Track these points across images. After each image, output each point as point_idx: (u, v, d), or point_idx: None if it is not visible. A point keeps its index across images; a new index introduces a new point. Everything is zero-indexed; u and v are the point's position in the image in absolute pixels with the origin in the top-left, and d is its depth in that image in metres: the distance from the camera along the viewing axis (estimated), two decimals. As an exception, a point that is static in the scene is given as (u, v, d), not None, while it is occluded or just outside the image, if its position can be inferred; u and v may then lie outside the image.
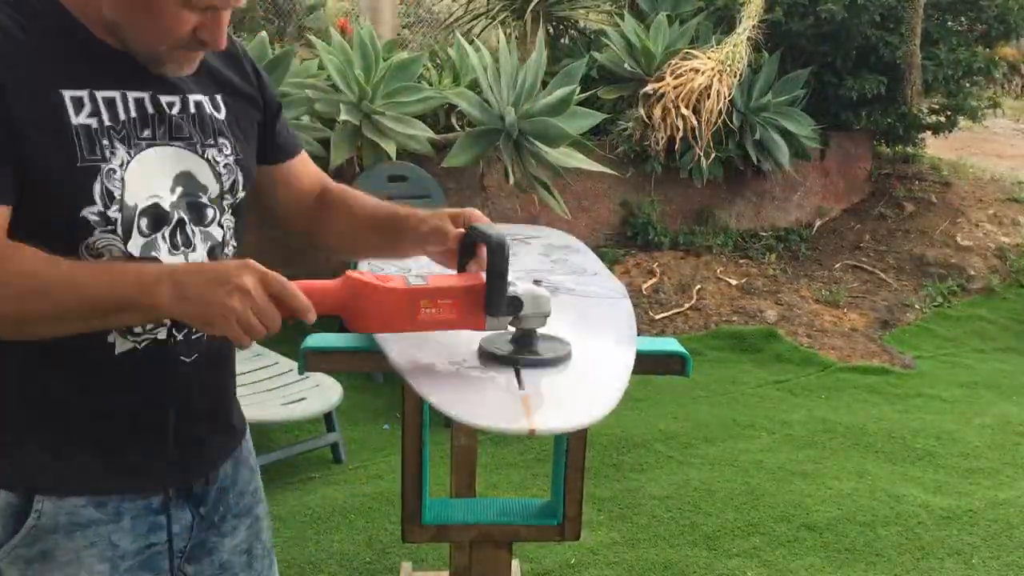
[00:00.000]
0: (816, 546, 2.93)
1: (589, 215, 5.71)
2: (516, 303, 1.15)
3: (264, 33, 4.43)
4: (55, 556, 1.11)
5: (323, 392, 3.28)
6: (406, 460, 1.50)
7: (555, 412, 1.10)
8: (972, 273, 6.05)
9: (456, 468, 2.20)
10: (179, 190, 1.15)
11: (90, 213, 1.07)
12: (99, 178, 1.07)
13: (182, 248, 1.15)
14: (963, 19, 6.45)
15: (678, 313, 5.20)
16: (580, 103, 4.75)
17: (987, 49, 6.61)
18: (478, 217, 1.23)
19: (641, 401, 4.08)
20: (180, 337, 1.16)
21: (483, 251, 1.16)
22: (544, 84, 4.76)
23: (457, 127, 4.90)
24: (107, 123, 1.08)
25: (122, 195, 1.09)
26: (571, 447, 1.53)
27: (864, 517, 3.12)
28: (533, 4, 5.83)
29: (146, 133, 1.12)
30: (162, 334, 1.15)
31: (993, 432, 3.95)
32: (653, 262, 5.59)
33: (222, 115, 1.22)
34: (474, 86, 4.78)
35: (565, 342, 1.23)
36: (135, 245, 1.10)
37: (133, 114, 1.11)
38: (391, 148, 4.30)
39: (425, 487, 1.54)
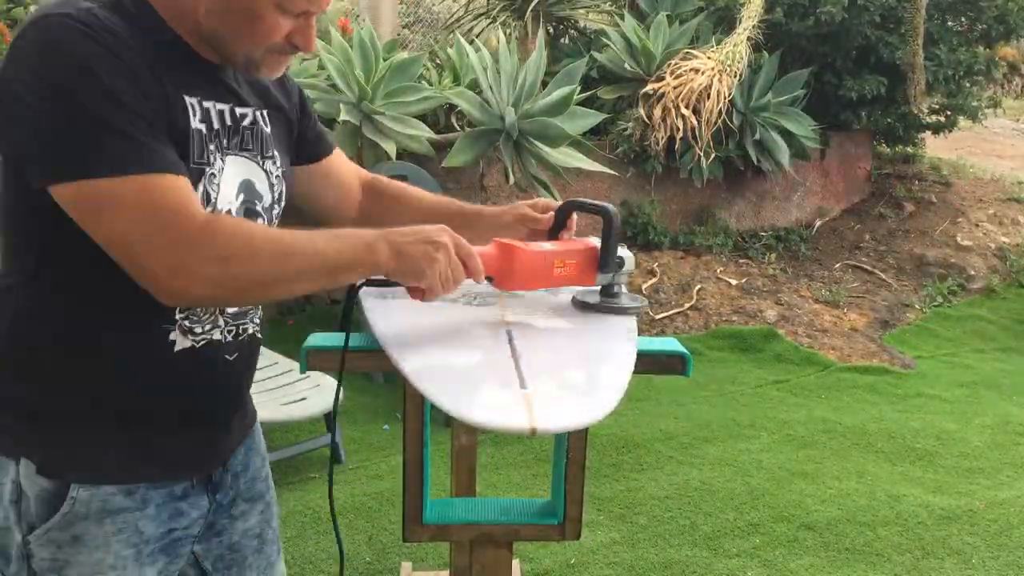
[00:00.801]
0: (816, 546, 2.93)
1: (589, 215, 5.71)
2: (621, 261, 1.40)
3: (264, 33, 4.42)
4: (85, 541, 1.14)
5: (323, 392, 3.28)
6: (407, 459, 1.50)
7: (557, 411, 1.10)
8: (972, 273, 6.05)
9: (456, 468, 2.20)
10: (241, 197, 1.20)
11: None
12: (203, 180, 1.12)
13: None
14: (963, 19, 6.46)
15: (678, 313, 5.20)
16: (580, 103, 4.75)
17: (987, 49, 6.62)
18: (549, 203, 1.49)
19: (641, 401, 4.09)
20: (229, 338, 1.23)
21: (573, 222, 1.46)
22: (544, 84, 4.76)
23: (457, 127, 4.90)
24: (210, 130, 1.14)
25: (216, 199, 1.15)
26: (572, 447, 1.53)
27: (864, 517, 3.12)
28: (533, 4, 5.83)
29: (227, 143, 1.18)
30: (216, 334, 1.21)
31: (993, 432, 3.95)
32: (653, 262, 5.59)
33: (269, 130, 1.27)
34: (474, 86, 4.78)
35: (640, 297, 1.44)
36: None
37: (227, 122, 1.17)
38: (391, 148, 4.30)
39: (426, 486, 1.54)
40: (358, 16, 6.56)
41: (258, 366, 2.43)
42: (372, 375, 4.16)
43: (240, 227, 1.09)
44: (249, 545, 1.36)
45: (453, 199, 1.55)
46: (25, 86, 1.00)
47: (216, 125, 1.15)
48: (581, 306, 1.41)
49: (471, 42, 5.07)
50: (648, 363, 1.39)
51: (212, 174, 1.14)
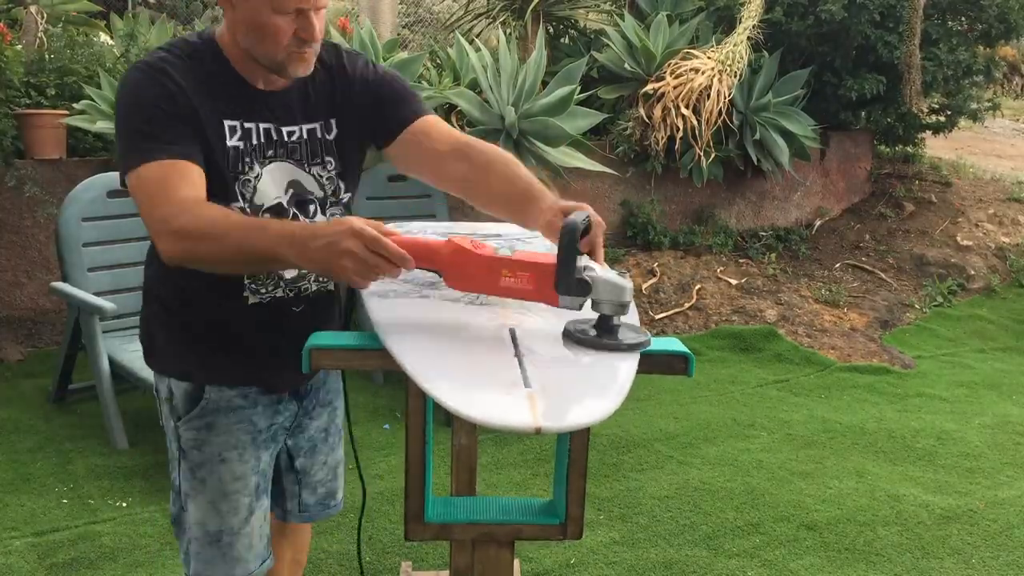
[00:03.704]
0: (816, 546, 2.93)
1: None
2: (584, 286, 1.24)
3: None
4: (215, 427, 1.63)
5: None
6: (409, 458, 1.50)
7: (560, 410, 1.10)
8: (972, 273, 6.06)
9: (456, 468, 2.20)
10: (290, 192, 1.59)
11: (235, 207, 1.51)
12: (236, 184, 1.52)
13: None
14: (963, 19, 6.45)
15: (678, 313, 5.20)
16: (580, 103, 4.75)
17: (987, 49, 6.62)
18: (584, 207, 1.43)
19: (641, 401, 4.09)
20: (291, 295, 1.62)
21: (596, 239, 1.37)
22: (544, 84, 4.76)
23: (457, 127, 4.90)
24: (249, 145, 1.53)
25: (252, 197, 1.54)
26: (573, 446, 1.53)
27: (864, 517, 3.12)
28: (533, 4, 5.83)
29: (270, 153, 1.55)
30: (279, 293, 1.61)
31: (993, 432, 3.95)
32: (653, 262, 5.59)
33: (332, 136, 1.62)
34: (474, 86, 4.79)
35: (645, 333, 1.32)
36: None
37: (262, 140, 1.54)
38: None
39: (428, 485, 1.54)
40: (358, 16, 6.56)
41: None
42: (372, 375, 4.16)
43: (201, 216, 1.38)
44: (319, 437, 1.86)
45: (528, 181, 1.57)
46: (116, 115, 1.50)
47: (256, 141, 1.53)
48: (568, 336, 1.30)
49: (471, 42, 5.07)
50: (651, 363, 1.38)
51: (247, 180, 1.52)
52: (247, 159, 1.51)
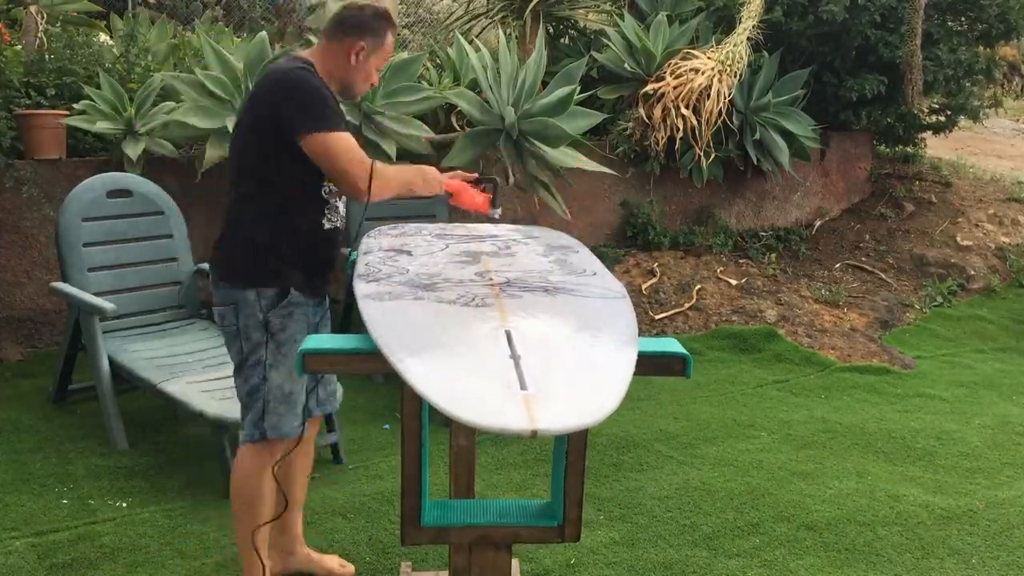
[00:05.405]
0: (816, 546, 2.93)
1: (589, 215, 5.71)
2: (498, 205, 2.62)
3: (264, 33, 4.42)
4: (292, 314, 2.36)
5: (323, 392, 3.28)
6: (405, 462, 1.49)
7: (557, 412, 1.10)
8: (972, 273, 6.05)
9: (455, 469, 2.19)
10: None
11: None
12: None
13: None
14: (963, 19, 6.45)
15: (678, 313, 5.20)
16: (580, 103, 4.75)
17: (987, 49, 6.61)
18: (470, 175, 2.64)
19: (641, 401, 4.09)
20: (339, 225, 2.45)
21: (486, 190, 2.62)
22: (544, 84, 4.76)
23: (457, 127, 4.90)
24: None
25: None
26: (571, 448, 1.53)
27: (864, 517, 3.12)
28: (533, 4, 5.83)
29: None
30: (338, 223, 2.44)
31: (993, 432, 3.95)
32: (653, 262, 5.59)
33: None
34: (474, 86, 4.78)
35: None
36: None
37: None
38: (391, 148, 4.30)
39: (424, 489, 1.54)
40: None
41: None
42: (372, 375, 4.16)
43: (375, 165, 2.26)
44: (325, 332, 2.52)
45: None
46: (284, 92, 2.25)
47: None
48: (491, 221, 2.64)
49: (471, 42, 5.07)
50: (648, 365, 1.38)
51: None
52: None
